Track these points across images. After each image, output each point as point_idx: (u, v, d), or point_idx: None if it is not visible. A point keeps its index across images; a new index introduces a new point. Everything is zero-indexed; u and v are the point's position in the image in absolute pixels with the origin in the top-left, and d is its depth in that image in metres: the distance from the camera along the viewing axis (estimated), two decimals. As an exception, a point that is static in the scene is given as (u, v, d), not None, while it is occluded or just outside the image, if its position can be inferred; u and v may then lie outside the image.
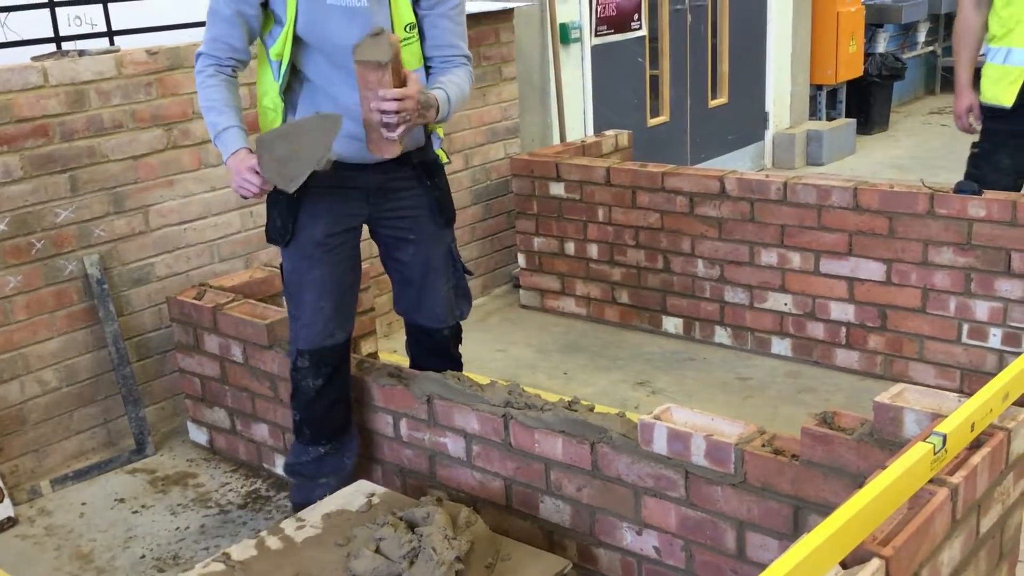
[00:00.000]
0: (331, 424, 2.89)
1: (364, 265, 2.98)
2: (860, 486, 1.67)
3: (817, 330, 3.97)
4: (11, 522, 3.16)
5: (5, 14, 3.45)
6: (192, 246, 3.74)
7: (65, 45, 3.58)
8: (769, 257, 4.00)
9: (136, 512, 3.22)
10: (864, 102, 8.28)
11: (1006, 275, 3.48)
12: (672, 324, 4.38)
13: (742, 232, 4.04)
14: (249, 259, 3.90)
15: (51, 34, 3.57)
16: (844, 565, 1.56)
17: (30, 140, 3.26)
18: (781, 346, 4.08)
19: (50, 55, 3.37)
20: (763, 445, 2.23)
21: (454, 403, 2.75)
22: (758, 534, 2.27)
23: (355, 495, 2.65)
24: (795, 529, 2.20)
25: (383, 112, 2.42)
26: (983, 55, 3.89)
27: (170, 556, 2.96)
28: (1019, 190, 3.78)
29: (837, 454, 2.12)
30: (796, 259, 3.94)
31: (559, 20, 5.36)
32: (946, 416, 1.86)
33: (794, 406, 3.69)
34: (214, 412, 3.51)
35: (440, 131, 2.82)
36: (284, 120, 2.65)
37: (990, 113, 3.83)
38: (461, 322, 3.00)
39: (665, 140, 6.45)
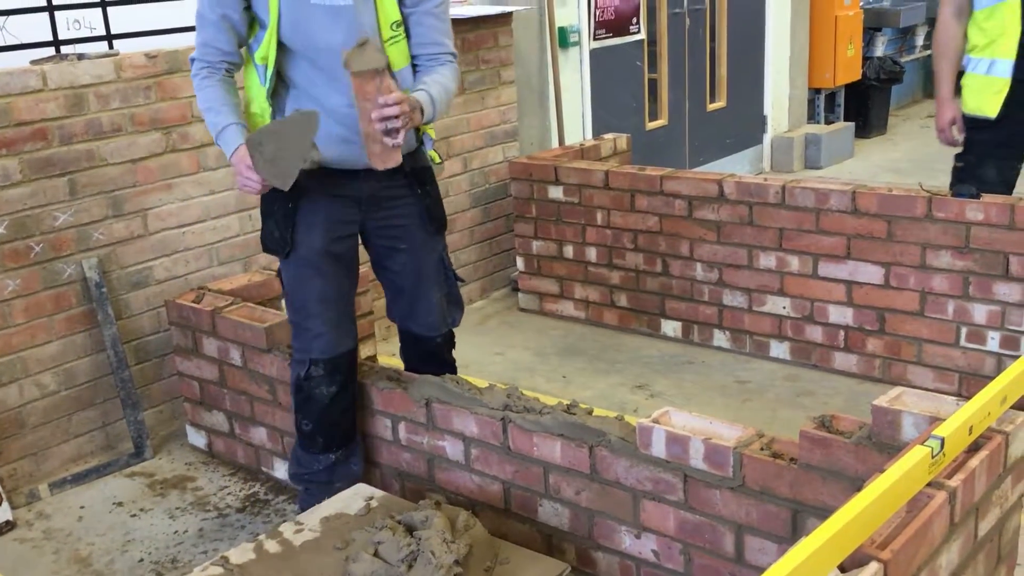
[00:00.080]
0: (343, 431, 2.90)
1: (361, 268, 2.98)
2: (858, 489, 1.67)
3: (815, 333, 3.97)
4: (9, 526, 3.16)
5: (4, 17, 3.45)
6: (191, 249, 3.74)
7: (64, 49, 3.59)
8: (767, 260, 4.01)
9: (134, 516, 3.22)
10: (862, 106, 8.29)
11: (1004, 278, 3.49)
12: (671, 327, 4.38)
13: (740, 235, 4.05)
14: (248, 262, 3.90)
15: (50, 38, 3.57)
16: (843, 568, 1.57)
17: (29, 144, 3.26)
18: (779, 349, 4.09)
19: (49, 59, 3.37)
20: (761, 448, 2.24)
21: (453, 406, 2.75)
22: (757, 537, 2.27)
23: (354, 499, 2.65)
24: (793, 532, 2.20)
25: (386, 119, 2.42)
26: (963, 66, 3.79)
27: (168, 560, 2.96)
28: None
29: (835, 457, 2.12)
30: (794, 262, 3.94)
31: (558, 24, 5.37)
32: (944, 419, 1.86)
33: (792, 409, 3.69)
34: (213, 415, 3.51)
35: (432, 132, 2.82)
36: None
37: (973, 123, 3.74)
38: (455, 328, 3.01)
39: (663, 144, 6.46)
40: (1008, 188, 3.72)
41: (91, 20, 3.68)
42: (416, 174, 2.78)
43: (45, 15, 3.56)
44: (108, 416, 3.59)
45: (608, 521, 2.52)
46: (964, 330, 3.62)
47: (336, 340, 2.78)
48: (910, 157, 7.68)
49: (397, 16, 2.61)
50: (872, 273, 3.76)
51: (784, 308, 4.02)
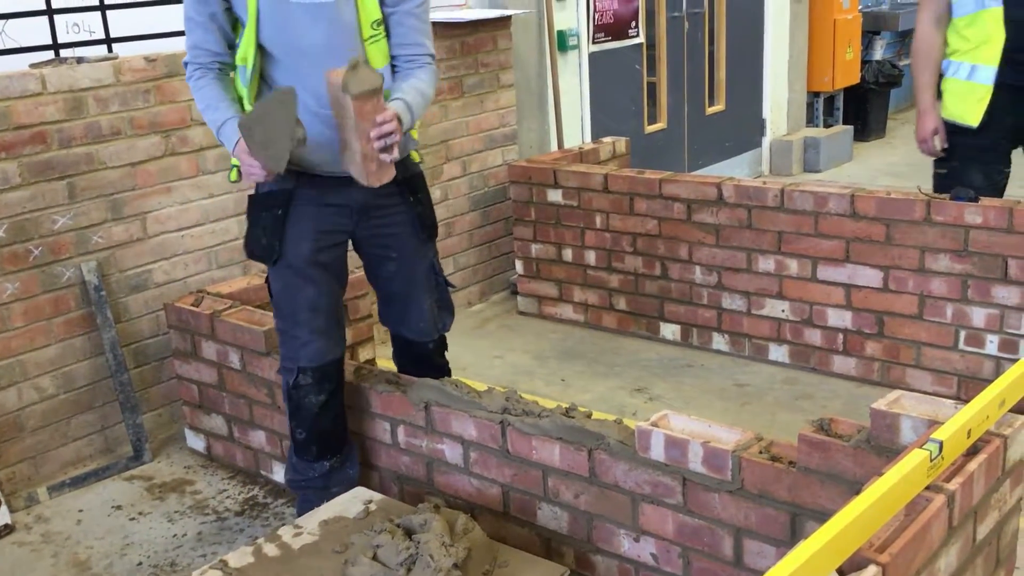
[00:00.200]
0: (335, 438, 2.89)
1: (359, 272, 2.98)
2: (857, 493, 1.67)
3: (814, 337, 3.98)
4: (8, 529, 3.16)
5: (3, 21, 3.45)
6: (190, 253, 3.74)
7: (63, 52, 3.59)
8: (766, 264, 4.01)
9: (133, 519, 3.22)
10: (861, 109, 8.30)
11: (1003, 282, 3.49)
12: (670, 330, 4.38)
13: (739, 239, 4.05)
14: (247, 266, 3.90)
15: (49, 41, 3.57)
16: (841, 572, 1.57)
17: (28, 147, 3.26)
18: (778, 352, 4.09)
19: (48, 62, 3.37)
20: (760, 452, 2.24)
21: (452, 410, 2.75)
22: (755, 541, 2.27)
23: (352, 502, 2.65)
24: (792, 536, 2.20)
25: (386, 136, 2.43)
26: (943, 69, 3.69)
27: (167, 563, 2.96)
28: None
29: (834, 461, 2.12)
30: (793, 266, 3.94)
31: (557, 27, 5.38)
32: (943, 423, 1.87)
33: (791, 413, 3.69)
34: (212, 419, 3.51)
35: (415, 133, 2.81)
36: None
37: (955, 129, 3.65)
38: (447, 332, 3.01)
39: (662, 147, 6.46)
40: (999, 193, 3.65)
41: (90, 23, 3.68)
42: (408, 182, 2.78)
43: (44, 19, 3.56)
44: (107, 419, 3.59)
45: (607, 524, 2.52)
46: (963, 333, 3.62)
47: (324, 348, 2.77)
48: (909, 161, 7.68)
49: (378, 15, 2.60)
50: (871, 276, 3.76)
51: (783, 311, 4.03)
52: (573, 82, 5.64)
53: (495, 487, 2.74)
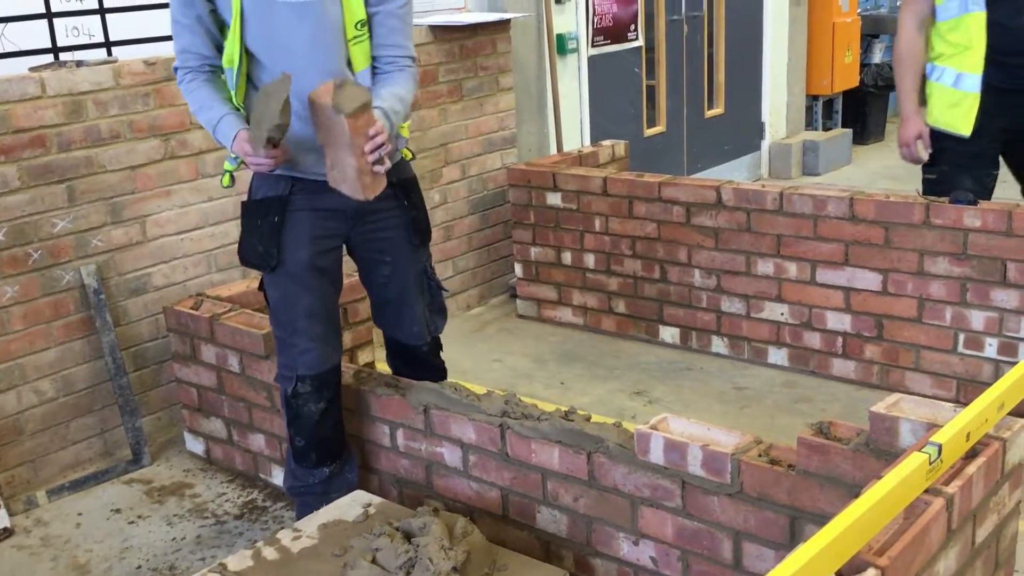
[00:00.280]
0: (335, 444, 2.89)
1: (356, 275, 2.98)
2: (856, 496, 1.67)
3: (814, 340, 3.98)
4: (7, 533, 3.16)
5: (3, 25, 3.45)
6: (189, 256, 3.75)
7: (63, 56, 3.59)
8: (765, 267, 4.01)
9: (132, 522, 3.22)
10: (860, 112, 8.31)
11: (1002, 285, 3.49)
12: (669, 334, 4.38)
13: (738, 242, 4.05)
14: (246, 269, 3.89)
15: (49, 45, 3.57)
16: (840, 575, 1.57)
17: (27, 150, 3.26)
18: (778, 356, 4.09)
19: (48, 66, 3.37)
20: (759, 455, 2.24)
21: (451, 413, 2.75)
22: (754, 544, 2.27)
23: (352, 505, 2.65)
24: (791, 539, 2.20)
25: (379, 148, 2.43)
26: (927, 73, 3.67)
27: (166, 567, 2.96)
28: None
29: (833, 464, 2.12)
30: (792, 269, 3.94)
31: (556, 31, 5.38)
32: (942, 426, 1.87)
33: (790, 416, 3.69)
34: (211, 422, 3.51)
35: (405, 131, 2.80)
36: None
37: (943, 134, 3.60)
38: (440, 335, 3.01)
39: (662, 150, 6.47)
40: (987, 196, 3.63)
41: (90, 27, 3.69)
42: (401, 185, 2.78)
43: (44, 22, 3.56)
44: (106, 423, 3.59)
45: (606, 528, 2.52)
46: (962, 336, 3.62)
47: (323, 356, 2.76)
48: (907, 164, 7.68)
49: (363, 15, 2.60)
50: (870, 279, 3.77)
51: (782, 314, 4.03)
52: (572, 85, 5.64)
53: (494, 490, 2.74)
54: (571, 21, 5.57)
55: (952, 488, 1.79)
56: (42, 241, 3.34)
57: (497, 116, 4.94)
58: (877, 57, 8.55)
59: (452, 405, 2.75)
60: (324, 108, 2.42)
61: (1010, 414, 2.01)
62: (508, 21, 4.87)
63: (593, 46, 5.76)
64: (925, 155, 3.68)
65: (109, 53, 3.73)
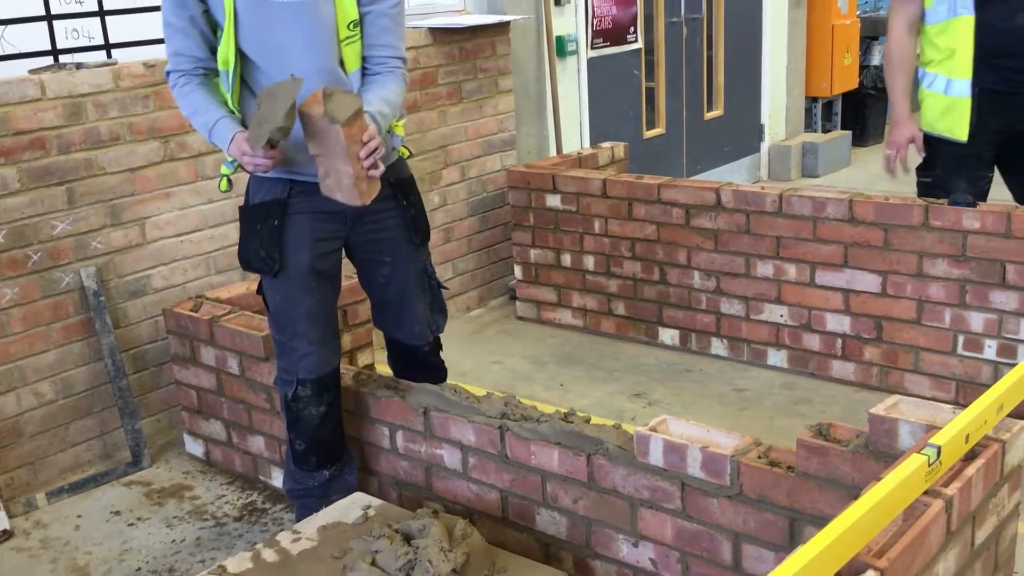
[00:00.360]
0: (335, 447, 2.89)
1: (355, 278, 2.98)
2: (855, 498, 1.67)
3: (813, 342, 3.98)
4: (6, 535, 3.16)
5: (3, 27, 3.45)
6: (189, 258, 3.75)
7: (63, 58, 3.59)
8: (765, 269, 4.01)
9: (132, 525, 3.22)
10: (859, 114, 8.31)
11: (1001, 287, 3.49)
12: (668, 336, 4.38)
13: (738, 244, 4.05)
14: (245, 272, 3.90)
15: (48, 47, 3.58)
16: (839, 577, 1.57)
17: (27, 152, 3.27)
18: (777, 357, 4.09)
19: (47, 68, 3.38)
20: (759, 457, 2.24)
21: (450, 415, 2.75)
22: (754, 546, 2.27)
23: (351, 507, 2.64)
24: (791, 541, 2.20)
25: (373, 153, 2.43)
26: (919, 78, 3.65)
27: (166, 569, 2.96)
28: None
29: (833, 466, 2.12)
30: (792, 271, 3.95)
31: (555, 33, 5.38)
32: (941, 428, 1.87)
33: (790, 418, 3.69)
34: (210, 424, 3.51)
35: (400, 130, 2.80)
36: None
37: (938, 138, 3.60)
38: (441, 334, 3.01)
39: (661, 152, 6.47)
40: (982, 198, 3.62)
41: (89, 29, 3.69)
42: (399, 185, 2.78)
43: (44, 24, 3.56)
44: (106, 425, 3.59)
45: (606, 529, 2.52)
46: (961, 338, 3.62)
47: (323, 359, 2.76)
48: (907, 164, 7.69)
49: (355, 15, 2.59)
50: (869, 281, 3.77)
51: (781, 316, 4.03)
52: (572, 87, 5.65)
53: (494, 492, 2.74)
54: (570, 23, 5.57)
55: (951, 490, 1.79)
56: (42, 243, 3.34)
57: (497, 118, 4.94)
58: (876, 59, 8.55)
59: (452, 407, 2.75)
60: (316, 119, 2.40)
61: (1009, 416, 2.01)
62: (508, 23, 4.87)
63: (592, 48, 5.76)
64: (917, 158, 3.69)
65: (109, 55, 3.73)
